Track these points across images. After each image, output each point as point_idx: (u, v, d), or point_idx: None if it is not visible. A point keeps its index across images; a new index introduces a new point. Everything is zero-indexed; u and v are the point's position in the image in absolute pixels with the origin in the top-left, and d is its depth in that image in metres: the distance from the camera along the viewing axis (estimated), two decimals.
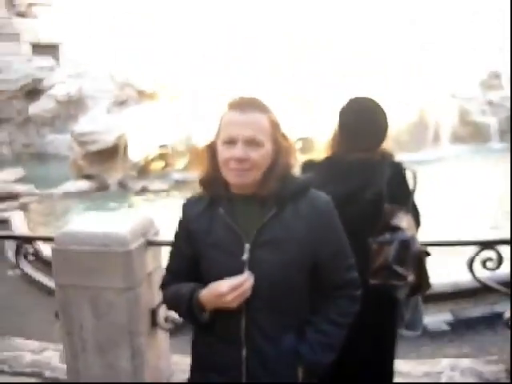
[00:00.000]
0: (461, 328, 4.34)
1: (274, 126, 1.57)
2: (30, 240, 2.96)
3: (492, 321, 4.27)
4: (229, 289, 1.49)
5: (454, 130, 14.47)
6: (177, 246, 1.72)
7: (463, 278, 4.41)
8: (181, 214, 1.70)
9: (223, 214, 1.58)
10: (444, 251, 2.68)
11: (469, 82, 15.26)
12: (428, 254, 2.21)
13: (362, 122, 2.13)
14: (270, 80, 11.96)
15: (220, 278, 1.53)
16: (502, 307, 3.97)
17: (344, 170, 2.11)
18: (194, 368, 1.72)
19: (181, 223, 1.70)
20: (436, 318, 4.41)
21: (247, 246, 1.54)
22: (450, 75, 14.49)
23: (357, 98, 2.21)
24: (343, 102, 2.23)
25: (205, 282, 1.58)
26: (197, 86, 12.46)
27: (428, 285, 2.18)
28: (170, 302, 1.73)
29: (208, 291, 1.54)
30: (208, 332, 1.63)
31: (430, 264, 2.26)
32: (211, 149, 1.61)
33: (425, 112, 13.51)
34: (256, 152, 1.52)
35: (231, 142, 1.52)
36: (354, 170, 2.10)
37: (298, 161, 1.68)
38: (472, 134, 14.57)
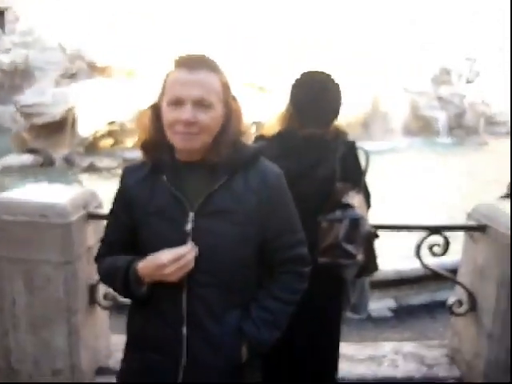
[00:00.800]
0: (403, 314, 4.43)
1: (225, 87, 1.45)
2: None
3: (433, 308, 4.38)
4: (169, 260, 1.37)
5: (406, 123, 14.82)
6: (114, 215, 1.58)
7: (407, 265, 4.53)
8: (119, 183, 1.57)
9: (166, 181, 1.46)
10: (390, 237, 2.68)
11: (421, 76, 15.63)
12: (377, 236, 2.19)
13: (314, 95, 2.06)
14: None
15: (160, 249, 1.41)
16: (443, 295, 4.07)
17: (296, 145, 2.04)
18: (129, 346, 1.60)
19: (119, 191, 1.57)
20: (380, 305, 4.48)
21: (191, 215, 1.42)
22: (403, 69, 14.78)
23: (309, 72, 2.14)
24: (296, 77, 2.16)
25: (144, 253, 1.46)
26: (153, 66, 12.14)
27: (375, 266, 2.16)
28: (105, 275, 1.60)
29: (146, 262, 1.43)
30: (146, 307, 1.51)
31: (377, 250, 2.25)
32: (155, 110, 1.47)
33: (377, 103, 13.75)
34: (205, 114, 1.39)
35: (178, 102, 1.39)
36: (307, 146, 2.04)
37: (249, 131, 1.56)
38: (422, 127, 14.97)
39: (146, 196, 1.49)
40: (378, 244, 2.22)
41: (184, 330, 1.46)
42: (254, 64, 12.11)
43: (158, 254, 1.40)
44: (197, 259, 1.42)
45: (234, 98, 1.49)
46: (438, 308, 4.18)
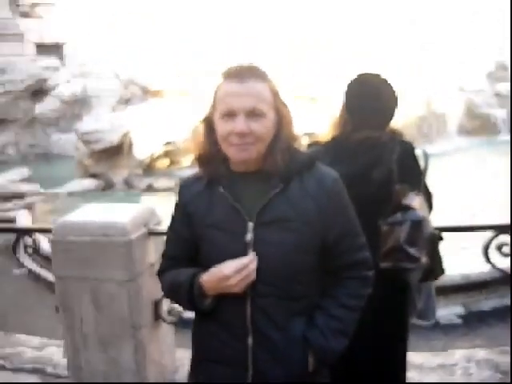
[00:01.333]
0: (473, 321, 4.25)
1: (275, 94, 1.45)
2: (28, 232, 2.89)
3: (504, 313, 4.17)
4: (232, 271, 1.37)
5: (461, 123, 14.35)
6: (174, 229, 1.59)
7: (474, 269, 4.34)
8: (177, 196, 1.58)
9: (223, 192, 1.46)
10: (455, 240, 2.58)
11: (476, 74, 15.12)
12: (441, 239, 2.11)
13: (368, 98, 2.03)
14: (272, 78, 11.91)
15: (221, 261, 1.41)
16: None
17: (351, 149, 2.01)
18: (195, 360, 1.61)
19: (177, 205, 1.58)
20: (447, 311, 4.32)
21: (250, 225, 1.42)
22: (456, 68, 14.36)
23: (362, 75, 2.11)
24: (347, 80, 2.13)
25: (205, 266, 1.46)
26: (201, 84, 12.40)
27: (441, 269, 2.07)
28: (169, 290, 1.60)
29: (210, 275, 1.43)
30: (210, 320, 1.52)
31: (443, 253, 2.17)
32: (208, 123, 1.48)
33: (432, 105, 13.40)
34: (258, 123, 1.39)
35: (231, 114, 1.39)
36: (362, 149, 2.00)
37: (300, 138, 1.54)
38: (480, 126, 14.43)
39: (204, 209, 1.49)
40: (443, 247, 2.15)
41: (250, 340, 1.45)
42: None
43: (221, 266, 1.40)
44: (258, 269, 1.41)
45: (284, 105, 1.48)
46: (510, 313, 3.98)
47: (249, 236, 1.42)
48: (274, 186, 1.44)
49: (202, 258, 1.51)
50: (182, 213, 1.55)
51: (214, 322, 1.51)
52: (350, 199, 1.54)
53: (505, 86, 15.15)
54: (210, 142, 1.48)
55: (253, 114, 1.39)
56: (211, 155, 1.49)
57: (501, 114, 14.61)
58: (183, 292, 1.49)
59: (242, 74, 1.41)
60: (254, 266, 1.40)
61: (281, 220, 1.42)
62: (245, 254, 1.41)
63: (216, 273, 1.41)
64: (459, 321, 4.26)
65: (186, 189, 1.57)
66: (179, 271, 1.54)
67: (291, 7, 14.26)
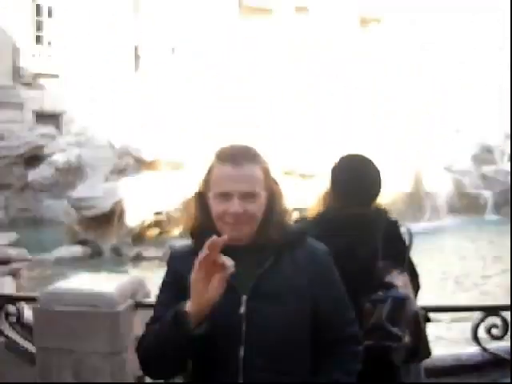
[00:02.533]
0: None
1: (267, 174, 1.53)
2: (12, 300, 2.84)
3: None
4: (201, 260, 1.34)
5: (451, 202, 14.59)
6: (165, 295, 1.56)
7: (465, 350, 4.26)
8: (168, 265, 1.59)
9: None
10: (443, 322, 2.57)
11: (462, 155, 15.56)
12: (428, 320, 2.11)
13: (355, 178, 2.11)
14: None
15: (216, 333, 1.39)
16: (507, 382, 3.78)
17: (337, 225, 2.06)
18: None
19: (169, 274, 1.58)
20: None
21: (244, 298, 1.45)
22: (442, 149, 14.78)
23: (348, 155, 2.21)
24: (335, 160, 2.22)
25: (198, 339, 1.39)
26: (197, 155, 12.63)
27: (427, 350, 2.06)
28: (150, 343, 1.47)
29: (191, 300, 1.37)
30: None
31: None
32: (200, 198, 1.55)
33: (420, 182, 13.68)
34: (253, 204, 1.47)
35: (225, 196, 1.47)
36: (348, 225, 2.05)
37: (290, 211, 1.63)
38: (467, 206, 14.68)
39: None
40: (431, 329, 2.14)
41: None
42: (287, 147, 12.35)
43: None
44: (251, 342, 1.42)
45: (275, 182, 1.57)
46: None
47: (242, 309, 1.45)
48: (265, 260, 1.49)
49: None
50: (173, 280, 1.55)
51: None
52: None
53: (490, 169, 15.59)
54: (203, 216, 1.53)
55: (247, 195, 1.47)
56: (204, 228, 1.52)
57: (487, 195, 14.93)
58: (167, 331, 1.39)
59: (237, 157, 1.49)
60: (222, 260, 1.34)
61: (273, 294, 1.46)
62: (240, 326, 1.43)
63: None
64: None
65: (177, 259, 1.58)
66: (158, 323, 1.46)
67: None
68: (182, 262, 1.56)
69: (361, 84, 13.46)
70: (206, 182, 1.53)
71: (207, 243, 1.34)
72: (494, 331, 2.36)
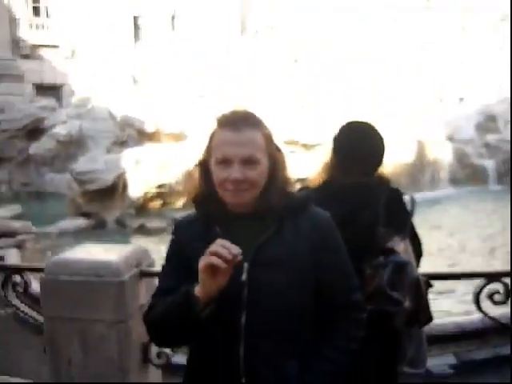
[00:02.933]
0: (465, 371, 4.18)
1: (269, 140, 1.51)
2: (19, 270, 2.87)
3: (498, 363, 4.11)
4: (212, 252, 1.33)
5: (453, 172, 14.55)
6: (169, 266, 1.58)
7: (467, 318, 4.31)
8: (173, 235, 1.60)
9: (220, 232, 1.48)
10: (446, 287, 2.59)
11: (465, 124, 15.45)
12: (430, 286, 2.13)
13: (358, 146, 2.09)
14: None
15: (218, 300, 1.40)
16: (507, 349, 3.83)
17: (339, 192, 2.06)
18: None
19: (174, 244, 1.59)
20: (439, 361, 4.25)
21: (246, 266, 1.44)
22: (446, 117, 14.68)
23: (351, 123, 2.18)
24: (337, 128, 2.20)
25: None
26: (199, 125, 12.56)
27: (428, 315, 2.08)
28: (158, 315, 1.49)
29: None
30: (203, 359, 1.51)
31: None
32: (203, 166, 1.54)
33: (423, 152, 13.62)
34: (253, 171, 1.45)
35: (226, 162, 1.45)
36: (350, 192, 2.05)
37: (293, 181, 1.60)
38: (470, 176, 14.64)
39: (202, 249, 1.47)
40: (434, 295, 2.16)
41: (243, 380, 1.45)
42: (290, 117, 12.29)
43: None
44: (252, 308, 1.43)
45: (278, 149, 1.55)
46: (504, 363, 3.93)
47: (244, 276, 1.44)
48: (268, 227, 1.48)
49: None
50: (180, 252, 1.56)
51: (207, 361, 1.50)
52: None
53: (493, 137, 15.48)
54: (206, 184, 1.53)
55: (248, 161, 1.45)
56: (207, 196, 1.53)
57: (491, 164, 14.87)
58: (178, 304, 1.41)
59: (237, 122, 1.47)
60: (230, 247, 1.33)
61: (275, 261, 1.45)
62: (241, 293, 1.43)
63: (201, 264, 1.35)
64: (451, 371, 4.19)
65: (182, 228, 1.59)
66: (167, 298, 1.48)
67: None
68: (185, 230, 1.57)
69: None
70: (208, 148, 1.52)
71: (210, 249, 1.33)
72: (496, 297, 2.38)
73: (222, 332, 1.45)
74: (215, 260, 1.32)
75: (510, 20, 14.83)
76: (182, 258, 1.54)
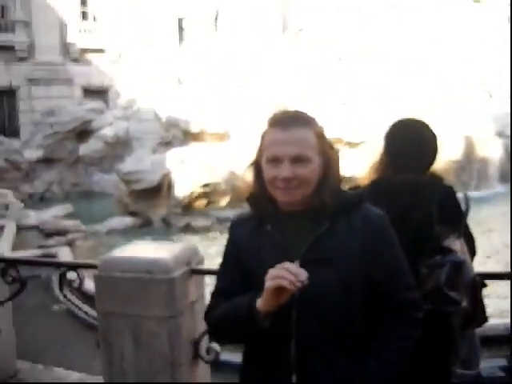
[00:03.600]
0: None
1: (321, 138, 1.51)
2: (73, 267, 2.98)
3: None
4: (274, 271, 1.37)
5: (502, 169, 14.07)
6: (225, 266, 1.64)
7: None
8: (228, 234, 1.65)
9: (271, 231, 1.52)
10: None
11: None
12: (484, 285, 2.08)
13: (411, 142, 2.06)
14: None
15: None
16: None
17: (391, 191, 2.03)
18: None
19: (229, 243, 1.64)
20: (490, 364, 4.13)
21: (297, 263, 1.44)
22: (495, 113, 14.21)
23: (403, 120, 2.15)
24: (389, 125, 2.18)
25: None
26: (243, 126, 12.65)
27: (484, 316, 2.03)
28: (220, 320, 1.57)
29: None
30: (258, 356, 1.54)
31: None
32: (256, 166, 1.56)
33: (472, 148, 13.25)
34: (304, 168, 1.46)
35: (276, 160, 1.47)
36: (402, 190, 2.02)
37: (344, 177, 1.59)
38: None
39: (254, 247, 1.54)
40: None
41: (294, 378, 1.46)
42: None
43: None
44: (304, 307, 1.44)
45: (330, 147, 1.54)
46: None
47: None
48: (320, 225, 1.48)
49: None
50: (233, 250, 1.61)
51: (260, 359, 1.53)
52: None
53: None
54: (259, 184, 1.55)
55: (298, 159, 1.46)
56: (260, 196, 1.55)
57: None
58: (242, 313, 1.46)
59: (287, 121, 1.48)
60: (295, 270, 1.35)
61: (327, 259, 1.46)
62: (292, 292, 1.42)
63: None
64: (502, 373, 4.07)
65: (237, 227, 1.64)
66: (234, 299, 1.52)
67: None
68: (240, 229, 1.62)
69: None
70: (260, 148, 1.54)
71: (277, 273, 1.34)
72: None
73: (274, 329, 1.45)
74: (285, 283, 1.33)
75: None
76: (237, 257, 1.59)
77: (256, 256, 1.53)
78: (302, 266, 1.43)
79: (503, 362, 4.15)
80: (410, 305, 1.54)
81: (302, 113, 1.53)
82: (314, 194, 1.49)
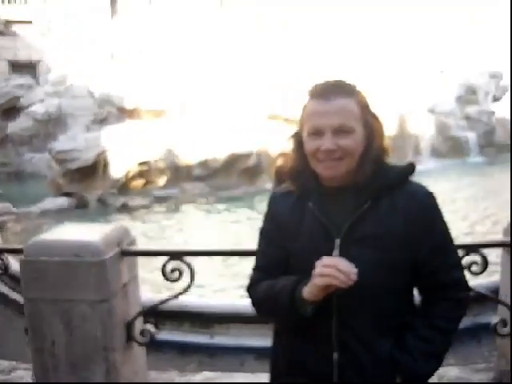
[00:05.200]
0: None
1: (364, 107, 1.45)
2: None
3: (477, 332, 4.20)
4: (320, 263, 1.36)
5: (434, 145, 14.64)
6: (266, 239, 1.59)
7: None
8: (267, 209, 1.60)
9: (313, 207, 1.46)
10: None
11: (446, 97, 15.50)
12: None
13: None
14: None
15: (310, 275, 1.40)
16: (486, 318, 3.92)
17: None
18: (275, 373, 1.60)
19: (268, 218, 1.59)
20: None
21: (337, 242, 1.42)
22: (426, 90, 14.70)
23: None
24: None
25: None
26: (182, 101, 12.41)
27: None
28: (263, 300, 1.55)
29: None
30: (295, 335, 1.50)
31: None
32: (297, 139, 1.50)
33: (404, 124, 13.67)
34: (347, 139, 1.40)
35: (318, 132, 1.42)
36: None
37: (389, 150, 1.50)
38: (451, 148, 14.76)
39: (295, 223, 1.50)
40: None
41: (335, 356, 1.44)
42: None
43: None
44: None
45: (375, 117, 1.48)
46: (483, 332, 4.02)
47: (335, 252, 1.42)
48: (363, 203, 1.43)
49: (291, 271, 1.50)
50: (273, 224, 1.56)
51: (299, 336, 1.49)
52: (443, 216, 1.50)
53: (474, 109, 15.58)
54: (300, 158, 1.50)
55: (340, 130, 1.40)
56: (301, 170, 1.50)
57: (471, 136, 15.00)
58: (283, 301, 1.45)
59: (327, 91, 1.43)
60: (345, 266, 1.34)
61: (369, 237, 1.42)
62: None
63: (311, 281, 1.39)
64: None
65: (277, 202, 1.58)
66: (275, 281, 1.50)
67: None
68: (280, 204, 1.56)
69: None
70: (301, 121, 1.49)
71: (327, 271, 1.32)
72: (474, 268, 2.41)
73: (315, 308, 1.43)
74: (336, 282, 1.32)
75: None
76: (276, 232, 1.54)
77: (297, 233, 1.48)
78: (342, 244, 1.42)
79: None
80: (455, 285, 1.50)
81: (343, 82, 1.47)
82: (356, 169, 1.44)
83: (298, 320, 1.46)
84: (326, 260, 1.35)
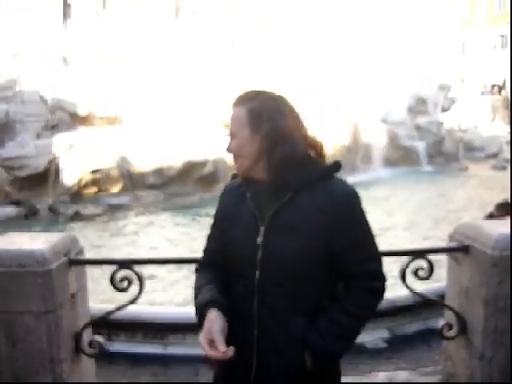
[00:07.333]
0: (397, 344, 4.36)
1: (257, 113, 1.59)
2: None
3: (427, 336, 4.31)
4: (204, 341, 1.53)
5: (386, 154, 15.01)
6: (213, 227, 1.77)
7: (397, 294, 4.49)
8: (219, 198, 1.77)
9: (249, 197, 1.64)
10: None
11: (397, 107, 15.94)
12: None
13: None
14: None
15: (239, 259, 1.61)
16: (435, 322, 4.02)
17: None
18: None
19: (218, 207, 1.76)
20: (373, 336, 4.40)
21: (262, 230, 1.58)
22: (378, 100, 15.07)
23: None
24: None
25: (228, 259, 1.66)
26: (136, 108, 12.25)
27: None
28: (194, 294, 1.72)
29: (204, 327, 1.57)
30: (228, 311, 1.63)
31: None
32: None
33: (358, 133, 13.96)
34: (232, 143, 1.64)
35: None
36: None
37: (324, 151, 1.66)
38: (402, 157, 15.18)
39: (236, 211, 1.68)
40: None
41: (255, 332, 1.60)
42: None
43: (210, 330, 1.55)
44: (266, 269, 1.57)
45: (271, 120, 1.59)
46: (433, 336, 4.12)
47: (259, 239, 1.59)
48: (283, 196, 1.59)
49: (227, 259, 1.67)
50: (221, 212, 1.75)
51: (230, 314, 1.63)
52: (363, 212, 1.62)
53: (424, 120, 16.10)
54: None
55: (231, 135, 1.65)
56: None
57: (421, 145, 15.48)
58: (197, 310, 1.65)
59: (235, 101, 1.64)
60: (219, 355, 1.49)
61: (287, 227, 1.57)
62: (256, 254, 1.58)
63: (204, 333, 1.56)
64: (384, 345, 4.35)
65: (226, 191, 1.77)
66: (203, 288, 1.68)
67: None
68: (229, 194, 1.75)
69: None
70: None
71: (204, 343, 1.51)
72: (420, 273, 2.48)
73: (241, 287, 1.61)
74: (213, 354, 1.49)
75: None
76: (222, 220, 1.72)
77: (235, 219, 1.66)
78: (266, 232, 1.58)
79: (385, 333, 4.45)
80: (368, 274, 1.62)
81: (247, 92, 1.64)
82: (268, 166, 1.60)
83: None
84: (205, 335, 1.53)
